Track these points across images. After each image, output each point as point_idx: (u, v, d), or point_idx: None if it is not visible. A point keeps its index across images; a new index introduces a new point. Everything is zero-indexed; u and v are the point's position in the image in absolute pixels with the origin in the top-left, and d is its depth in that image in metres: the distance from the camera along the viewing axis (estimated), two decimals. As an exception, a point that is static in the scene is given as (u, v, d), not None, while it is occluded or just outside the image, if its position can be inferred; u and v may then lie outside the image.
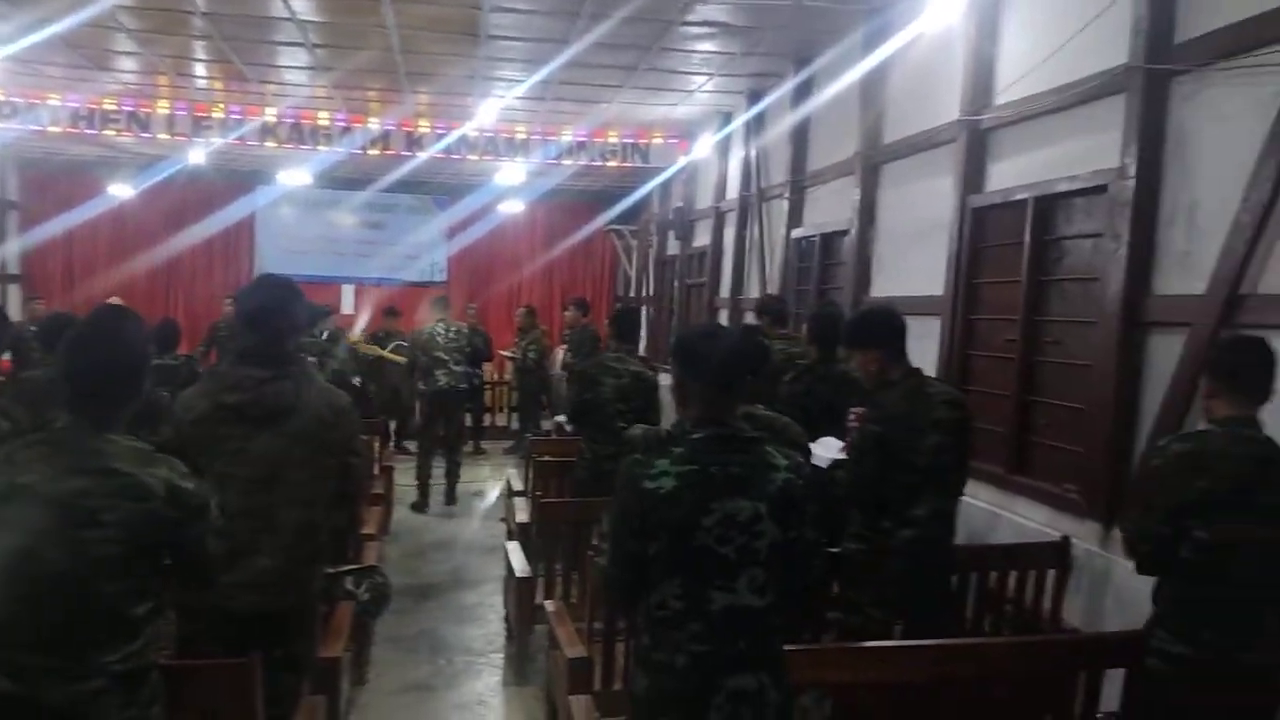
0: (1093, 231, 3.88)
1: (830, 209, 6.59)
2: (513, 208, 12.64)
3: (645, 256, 12.55)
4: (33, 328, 8.68)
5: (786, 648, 2.23)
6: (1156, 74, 3.50)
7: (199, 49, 7.62)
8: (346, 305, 13.03)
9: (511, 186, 11.67)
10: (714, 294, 9.04)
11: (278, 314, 2.69)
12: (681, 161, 10.12)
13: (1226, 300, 3.14)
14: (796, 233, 7.11)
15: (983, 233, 4.70)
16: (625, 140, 10.19)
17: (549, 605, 3.81)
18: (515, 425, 10.68)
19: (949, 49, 4.96)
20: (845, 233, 6.22)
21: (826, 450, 3.36)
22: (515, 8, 6.13)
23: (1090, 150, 3.88)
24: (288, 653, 2.68)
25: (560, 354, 10.18)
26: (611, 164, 10.34)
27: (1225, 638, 2.47)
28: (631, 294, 13.31)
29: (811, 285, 6.74)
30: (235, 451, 2.60)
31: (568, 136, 10.09)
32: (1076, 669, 2.75)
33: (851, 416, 3.22)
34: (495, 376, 11.66)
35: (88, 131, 9.46)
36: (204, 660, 2.42)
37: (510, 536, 6.41)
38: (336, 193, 13.17)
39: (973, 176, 4.73)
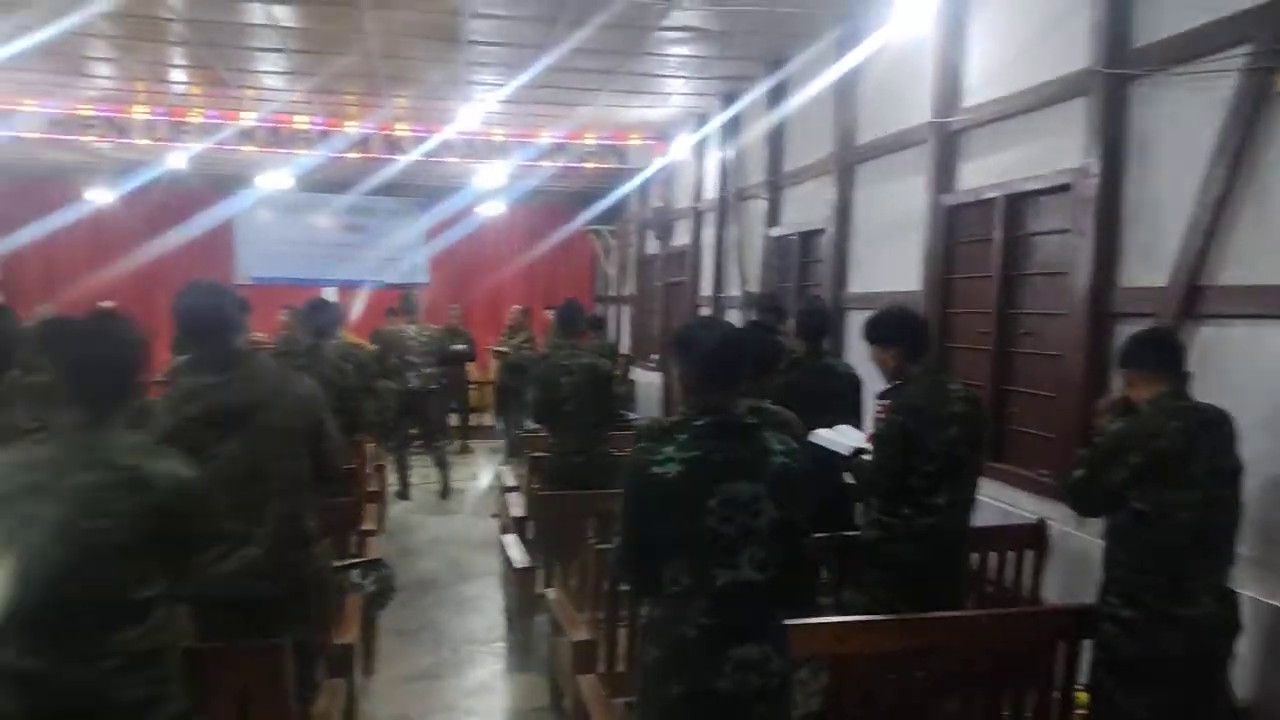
0: (1060, 228, 4.08)
1: (807, 208, 6.77)
2: (493, 209, 12.75)
3: (625, 256, 12.70)
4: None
5: (785, 622, 2.41)
6: (1116, 77, 3.70)
7: (178, 55, 7.66)
8: (327, 308, 13.05)
9: (491, 189, 11.79)
10: (695, 292, 9.21)
11: (212, 318, 2.76)
12: (659, 162, 10.29)
13: (1187, 292, 3.35)
14: (774, 231, 7.30)
15: (955, 230, 4.90)
16: (603, 142, 10.34)
17: (550, 593, 3.96)
18: (500, 425, 10.79)
19: (918, 54, 5.15)
20: (822, 231, 6.41)
21: (846, 438, 3.53)
22: (494, 13, 6.26)
23: (1055, 150, 4.08)
24: (295, 640, 2.82)
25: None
26: (590, 165, 10.49)
27: (1162, 597, 2.71)
28: (612, 293, 13.46)
29: (791, 283, 6.92)
30: (212, 456, 2.67)
31: (546, 139, 10.22)
32: (1053, 639, 2.95)
33: (878, 407, 3.40)
34: (479, 376, 11.77)
35: (64, 137, 9.47)
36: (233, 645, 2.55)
37: (505, 531, 6.58)
38: (316, 196, 13.22)
39: (944, 176, 4.93)
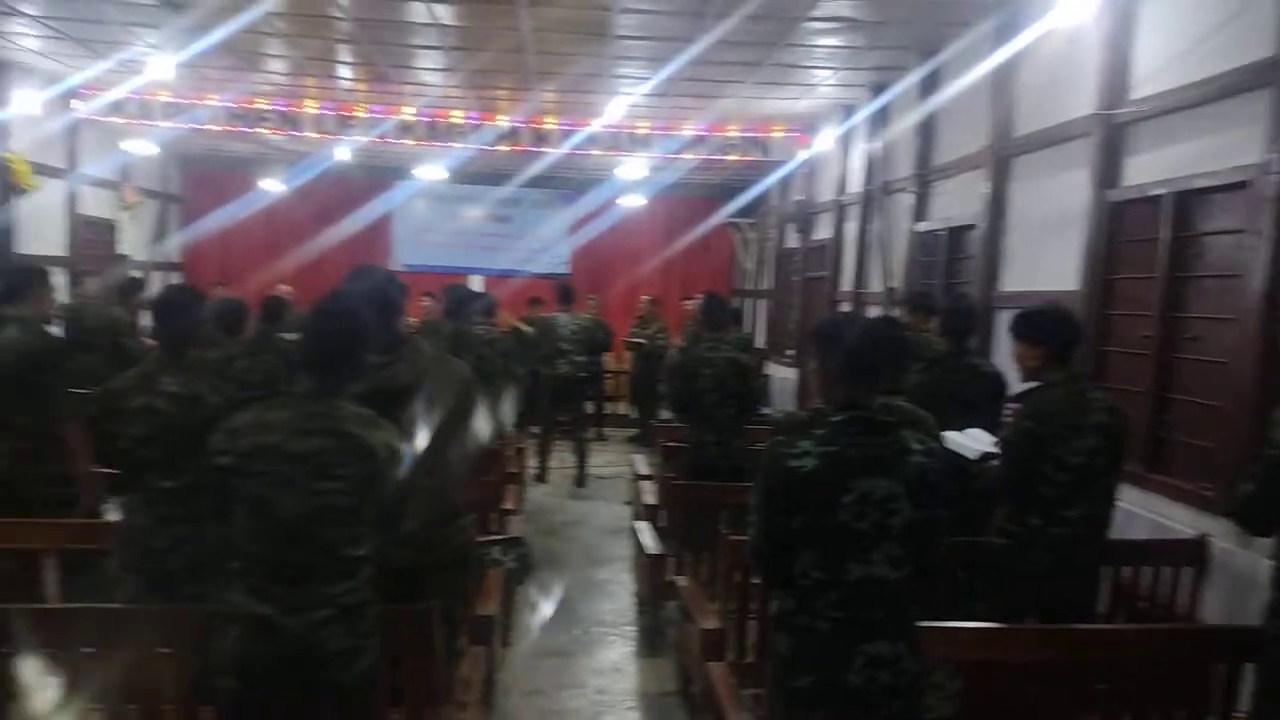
0: (1234, 228, 3.82)
1: (957, 202, 6.57)
2: (634, 202, 12.88)
3: (764, 250, 12.63)
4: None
5: (921, 624, 2.38)
6: (1307, 67, 3.44)
7: (346, 52, 8.11)
8: (474, 295, 13.58)
9: (633, 181, 11.94)
10: (835, 287, 9.08)
11: (377, 301, 2.89)
12: (802, 155, 10.16)
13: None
14: (921, 226, 7.11)
15: (1119, 228, 4.66)
16: (745, 134, 10.30)
17: (681, 581, 4.03)
18: (635, 414, 10.96)
19: (1082, 42, 4.92)
20: (973, 227, 6.20)
21: (975, 441, 3.45)
22: (643, 8, 6.33)
23: (1231, 145, 3.82)
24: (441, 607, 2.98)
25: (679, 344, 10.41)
26: (731, 158, 10.47)
27: None
28: (750, 287, 13.41)
29: (938, 279, 6.73)
30: None
31: (688, 131, 10.27)
32: (1211, 661, 2.79)
33: (1009, 412, 3.32)
34: (614, 365, 11.97)
35: (243, 129, 10.20)
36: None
37: (637, 518, 6.70)
38: (467, 187, 13.73)
39: (1108, 171, 4.69)
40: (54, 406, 3.68)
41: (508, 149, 10.50)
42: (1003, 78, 5.83)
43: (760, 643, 3.40)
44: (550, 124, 10.37)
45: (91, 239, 10.51)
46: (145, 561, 3.04)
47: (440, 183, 12.91)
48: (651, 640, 4.62)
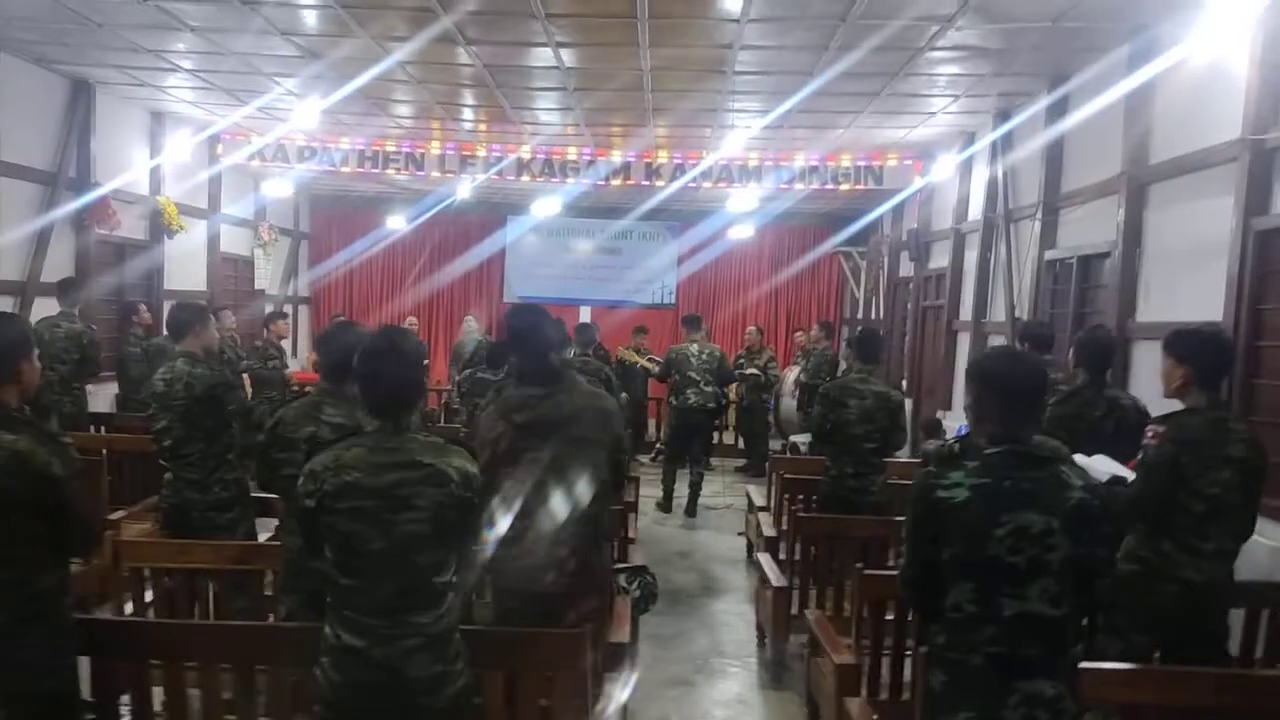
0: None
1: (1089, 230, 6.37)
2: (744, 233, 12.91)
3: (875, 278, 12.47)
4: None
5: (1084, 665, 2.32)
6: None
7: (472, 95, 8.45)
8: (584, 326, 13.84)
9: (742, 212, 11.99)
10: (953, 316, 8.89)
11: (535, 336, 3.07)
12: (918, 183, 10.03)
13: None
14: (1050, 254, 6.91)
15: (1268, 256, 4.44)
16: (859, 163, 10.23)
17: (810, 614, 3.99)
18: (742, 444, 10.90)
19: (1228, 65, 4.73)
20: (1107, 255, 6.01)
21: (1103, 465, 3.35)
22: (764, 45, 6.40)
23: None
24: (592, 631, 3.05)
25: (790, 375, 10.35)
26: (844, 187, 10.40)
27: None
28: (859, 316, 13.25)
29: (1069, 309, 6.52)
30: (533, 460, 3.00)
31: (800, 161, 10.27)
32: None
33: (1149, 434, 3.21)
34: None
35: (372, 170, 10.68)
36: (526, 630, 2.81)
37: (750, 549, 6.67)
38: (576, 221, 14.03)
39: (1257, 197, 4.48)
40: (224, 436, 3.94)
41: (620, 183, 10.70)
42: (1138, 103, 5.66)
43: (895, 679, 3.35)
44: (662, 158, 10.54)
45: (230, 275, 11.19)
46: (304, 581, 3.21)
47: (550, 217, 13.22)
48: (775, 673, 4.58)
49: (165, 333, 7.02)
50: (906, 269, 10.89)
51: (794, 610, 4.41)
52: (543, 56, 6.91)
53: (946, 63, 6.75)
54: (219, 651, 2.72)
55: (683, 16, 5.87)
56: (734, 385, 10.16)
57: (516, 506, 3.02)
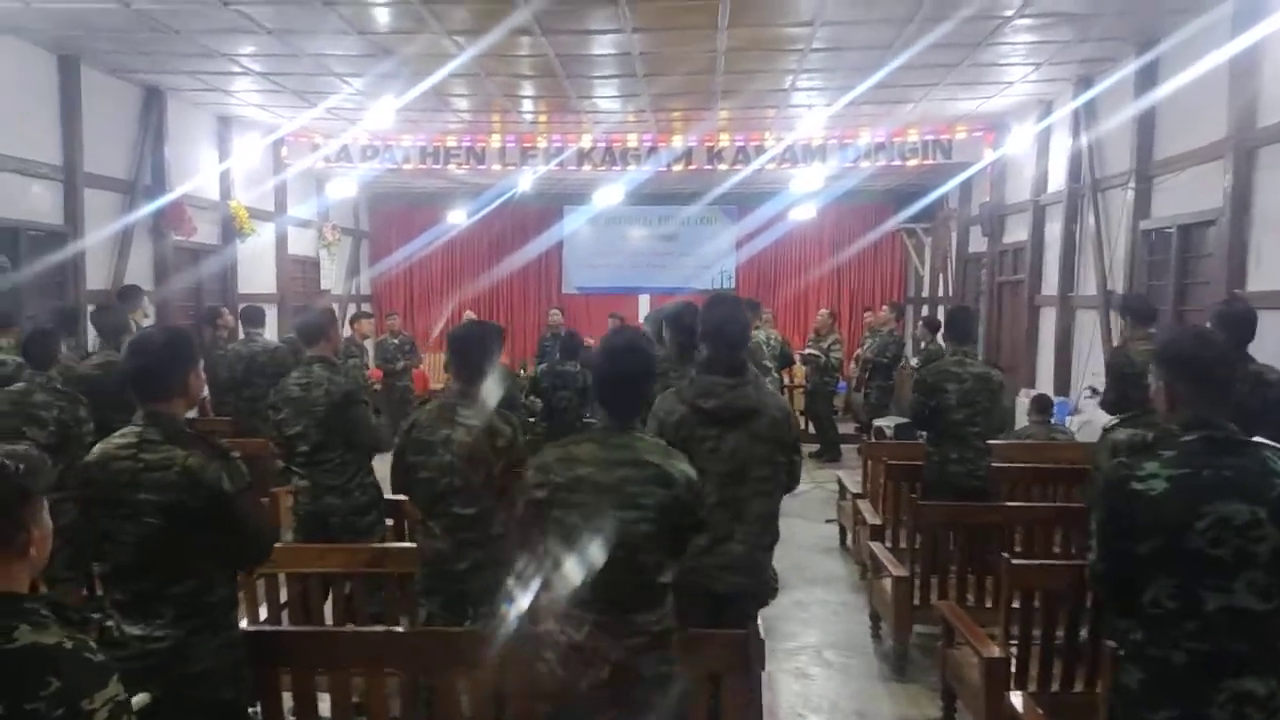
0: None
1: (1189, 198, 6.15)
2: (804, 213, 12.70)
3: (942, 255, 12.23)
4: (394, 340, 10.03)
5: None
6: None
7: (535, 86, 8.37)
8: (644, 315, 13.75)
9: (805, 192, 11.80)
10: (1035, 291, 8.68)
11: (733, 328, 3.06)
12: (989, 155, 9.79)
13: None
14: (1144, 224, 6.69)
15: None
16: (927, 137, 10.00)
17: (943, 605, 3.90)
18: (813, 429, 10.77)
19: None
20: (1211, 223, 5.79)
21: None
22: (845, 20, 6.23)
23: None
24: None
25: (857, 355, 10.20)
26: (912, 162, 10.17)
27: None
28: (924, 294, 13.02)
29: (1169, 280, 6.31)
30: (711, 450, 2.98)
31: (866, 139, 10.06)
32: None
33: None
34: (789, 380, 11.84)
35: (434, 166, 10.68)
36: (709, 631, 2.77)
37: (843, 536, 6.57)
38: (633, 208, 13.86)
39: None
40: (361, 440, 3.94)
41: (682, 169, 10.58)
42: (1245, 65, 5.43)
43: (1066, 672, 3.25)
44: (724, 141, 10.39)
45: (297, 276, 11.28)
46: (446, 584, 3.19)
47: (606, 206, 13.12)
48: (898, 665, 4.49)
49: (241, 334, 7.14)
50: (978, 244, 10.66)
51: (918, 600, 4.31)
52: (615, 43, 6.83)
53: (1029, 30, 6.54)
54: (382, 658, 2.70)
55: (767, -6, 5.74)
56: (793, 367, 10.03)
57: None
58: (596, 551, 2.27)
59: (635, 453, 2.35)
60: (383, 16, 6.25)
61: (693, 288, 14.07)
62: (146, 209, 7.94)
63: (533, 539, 2.41)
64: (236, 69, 7.53)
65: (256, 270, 10.12)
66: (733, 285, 14.29)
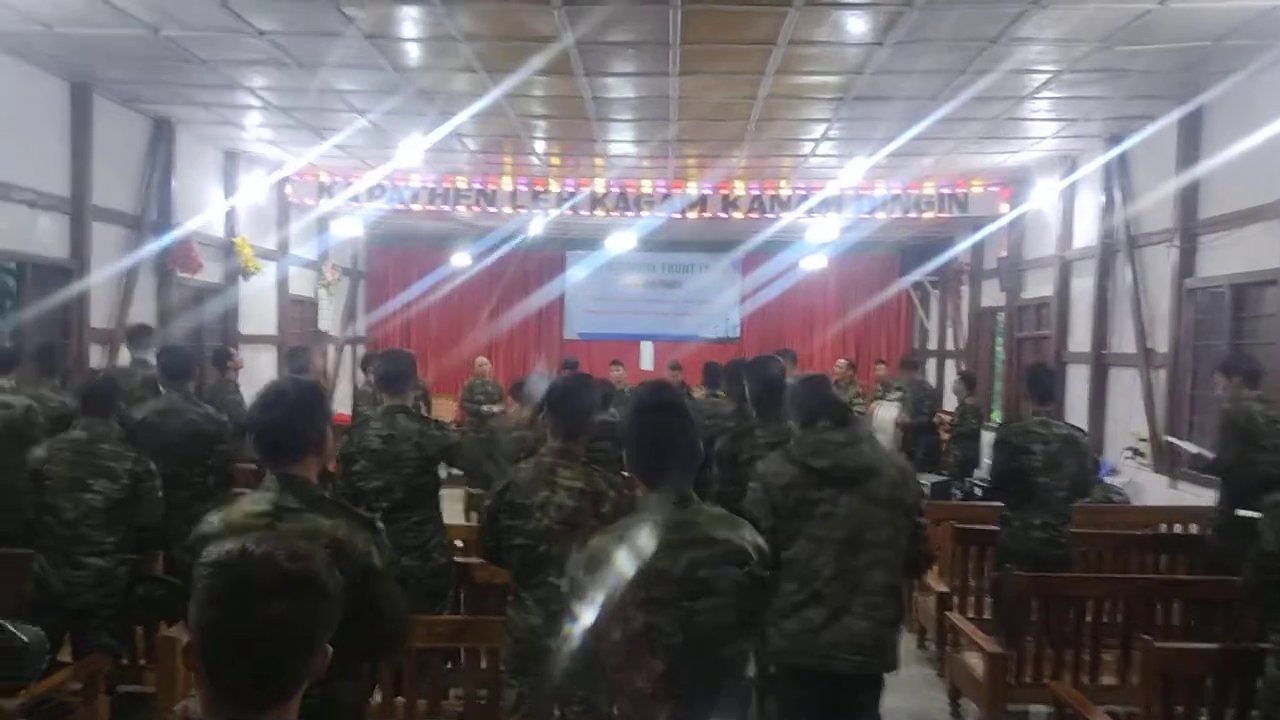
0: None
1: (1241, 255, 6.05)
2: (814, 264, 12.56)
3: (950, 308, 12.14)
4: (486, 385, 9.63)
5: None
6: None
7: (561, 127, 8.15)
8: (646, 363, 13.50)
9: (816, 243, 11.66)
10: (1061, 347, 8.55)
11: (819, 381, 2.92)
12: (1005, 210, 9.74)
13: None
14: (1189, 283, 6.59)
15: None
16: (942, 191, 9.93)
17: (1058, 687, 3.63)
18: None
19: None
20: (1271, 283, 5.69)
21: None
22: (895, 69, 6.08)
23: None
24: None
25: (881, 411, 9.98)
26: (927, 215, 10.08)
27: None
28: (931, 347, 12.92)
29: (1219, 340, 6.19)
30: (825, 515, 2.73)
31: (881, 190, 9.97)
32: None
33: None
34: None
35: (443, 207, 10.38)
36: None
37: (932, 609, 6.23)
38: (639, 254, 13.49)
39: None
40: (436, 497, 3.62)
41: (696, 217, 10.39)
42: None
43: None
44: (739, 189, 10.25)
45: (296, 317, 10.91)
46: (539, 664, 2.87)
47: (607, 253, 12.87)
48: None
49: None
50: (992, 298, 10.57)
51: (1026, 679, 4.02)
52: (653, 85, 6.63)
53: (1069, 85, 6.44)
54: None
55: (825, 40, 5.59)
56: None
57: (811, 568, 2.71)
58: (669, 649, 1.95)
59: (699, 528, 2.04)
60: (422, 53, 6.03)
61: (699, 336, 13.86)
62: (153, 245, 7.59)
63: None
64: (253, 101, 7.26)
65: (257, 309, 9.74)
66: (738, 335, 14.08)
